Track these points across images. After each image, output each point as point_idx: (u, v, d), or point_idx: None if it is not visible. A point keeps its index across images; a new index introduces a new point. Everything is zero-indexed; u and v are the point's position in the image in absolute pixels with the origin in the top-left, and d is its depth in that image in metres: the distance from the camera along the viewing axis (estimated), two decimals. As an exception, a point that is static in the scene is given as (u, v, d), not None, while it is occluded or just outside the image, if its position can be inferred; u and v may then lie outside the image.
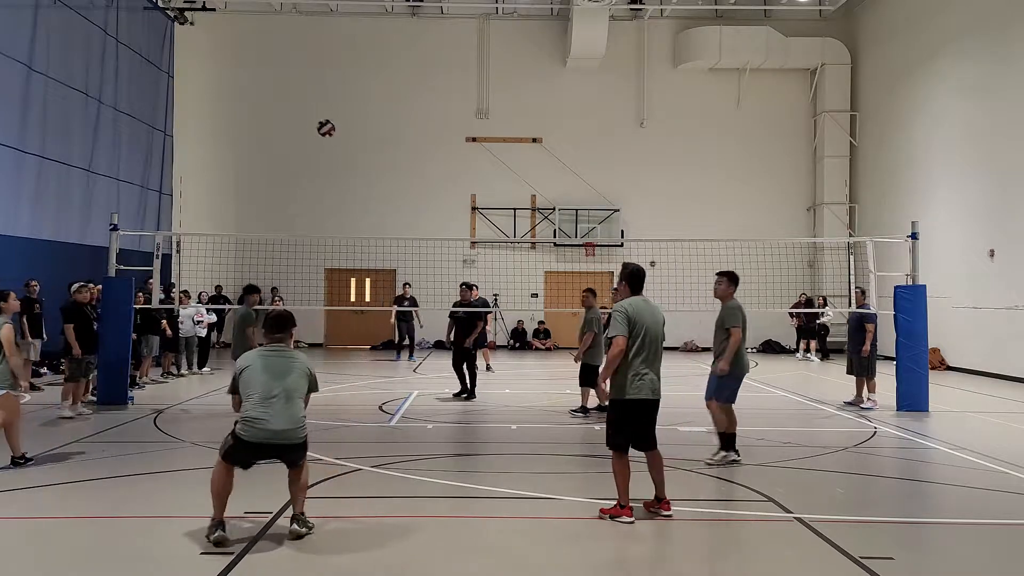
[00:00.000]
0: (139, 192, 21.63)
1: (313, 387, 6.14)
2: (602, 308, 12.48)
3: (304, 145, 25.19)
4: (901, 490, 8.02)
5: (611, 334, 6.46)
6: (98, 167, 19.37)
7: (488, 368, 18.32)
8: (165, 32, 23.48)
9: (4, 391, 7.95)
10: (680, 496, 7.30)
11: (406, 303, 20.03)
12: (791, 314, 21.83)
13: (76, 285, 11.91)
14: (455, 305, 14.15)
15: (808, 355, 22.11)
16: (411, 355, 20.87)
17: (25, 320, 14.18)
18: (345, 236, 21.96)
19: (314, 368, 6.19)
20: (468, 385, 13.62)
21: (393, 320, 20.82)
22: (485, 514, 6.76)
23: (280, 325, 6.18)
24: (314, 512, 6.19)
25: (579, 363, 12.11)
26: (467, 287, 14.15)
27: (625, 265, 6.94)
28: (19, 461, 8.06)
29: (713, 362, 8.81)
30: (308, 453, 6.03)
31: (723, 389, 8.73)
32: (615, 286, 6.93)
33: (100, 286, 13.05)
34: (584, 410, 12.00)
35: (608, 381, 6.57)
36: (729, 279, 8.86)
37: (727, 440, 8.70)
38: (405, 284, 20.71)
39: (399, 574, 5.35)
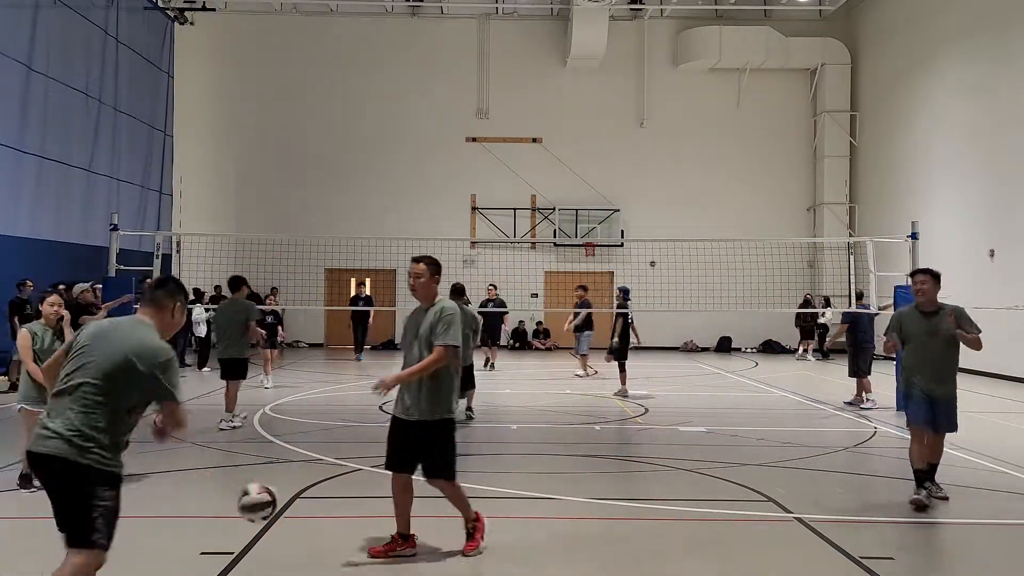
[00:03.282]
0: (139, 192, 21.63)
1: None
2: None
3: (304, 145, 25.22)
4: (901, 490, 7.99)
5: (452, 342, 5.40)
6: (98, 167, 19.37)
7: (492, 366, 18.41)
8: (165, 32, 23.48)
9: (20, 405, 7.06)
10: (680, 496, 7.31)
11: (361, 303, 20.44)
12: (798, 315, 21.87)
13: (79, 287, 11.95)
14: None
15: (806, 355, 22.12)
16: (359, 354, 20.95)
17: (17, 321, 14.18)
18: (345, 236, 21.95)
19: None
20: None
21: (350, 322, 20.97)
22: (485, 514, 6.76)
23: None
24: (314, 512, 6.16)
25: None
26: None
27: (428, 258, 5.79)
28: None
29: (943, 385, 7.08)
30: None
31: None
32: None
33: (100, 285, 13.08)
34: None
35: (431, 395, 5.49)
36: (936, 277, 7.33)
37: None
38: (359, 284, 21.02)
39: (399, 574, 5.35)
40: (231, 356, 10.69)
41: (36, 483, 6.79)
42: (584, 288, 17.17)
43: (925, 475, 7.11)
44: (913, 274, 7.48)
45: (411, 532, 5.65)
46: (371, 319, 21.03)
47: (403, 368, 5.55)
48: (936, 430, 7.15)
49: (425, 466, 5.57)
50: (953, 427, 7.20)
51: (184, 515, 6.32)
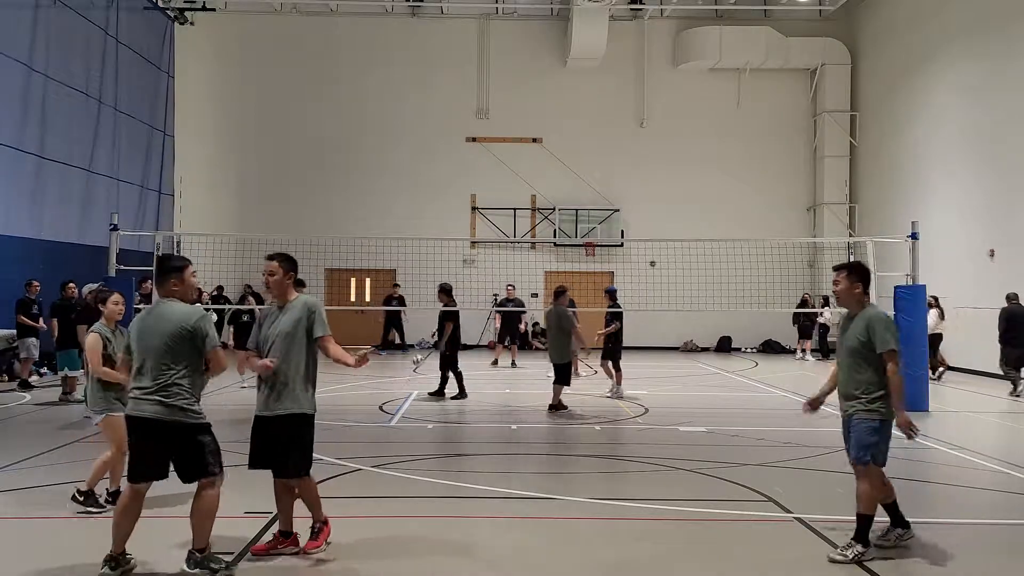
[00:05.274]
0: (139, 192, 21.62)
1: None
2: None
3: (304, 145, 25.22)
4: (901, 490, 7.97)
5: (324, 332, 5.54)
6: (98, 167, 19.36)
7: (513, 363, 19.22)
8: (165, 32, 23.47)
9: (103, 414, 6.65)
10: (680, 496, 7.31)
11: (394, 302, 21.77)
12: (795, 315, 21.90)
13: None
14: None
15: (805, 355, 22.14)
16: (404, 349, 22.72)
17: (23, 321, 14.21)
18: (345, 236, 21.95)
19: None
20: (452, 385, 13.76)
21: (382, 320, 22.75)
22: (485, 514, 6.76)
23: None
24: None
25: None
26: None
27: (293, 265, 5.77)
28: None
29: (848, 402, 5.85)
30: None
31: (881, 444, 5.86)
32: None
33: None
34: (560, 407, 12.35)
35: (302, 392, 5.52)
36: (856, 276, 5.96)
37: (895, 510, 6.03)
38: (395, 285, 21.56)
39: (398, 574, 5.35)
40: None
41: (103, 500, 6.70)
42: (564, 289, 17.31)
43: (890, 513, 5.95)
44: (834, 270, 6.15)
45: (294, 531, 5.65)
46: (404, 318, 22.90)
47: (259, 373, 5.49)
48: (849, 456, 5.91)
49: (277, 463, 5.50)
50: (858, 456, 5.79)
51: (184, 515, 6.31)
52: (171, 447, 5.08)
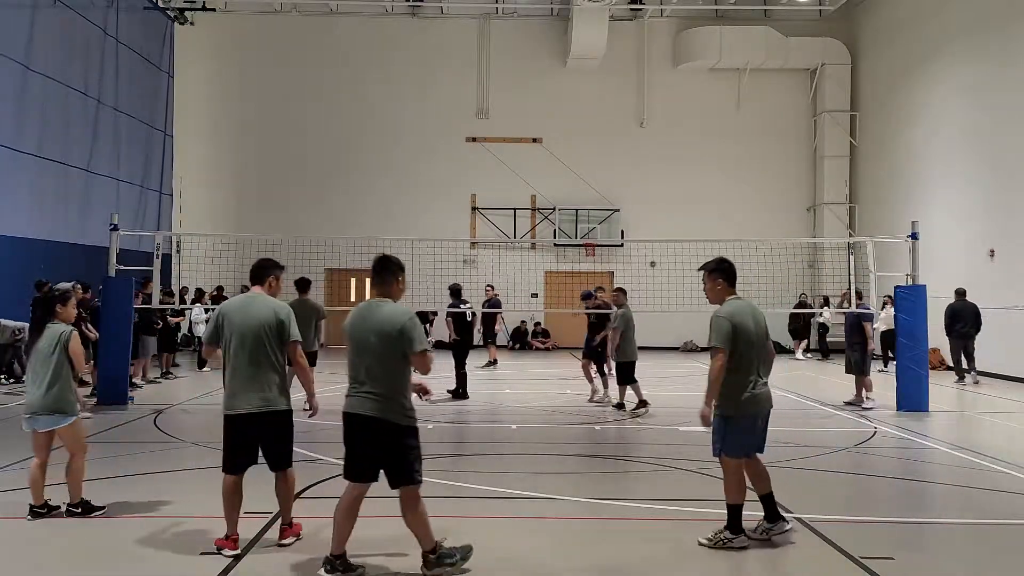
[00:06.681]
0: (139, 192, 21.64)
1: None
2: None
3: (304, 145, 25.23)
4: (901, 490, 8.01)
5: (294, 338, 6.00)
6: (97, 167, 19.38)
7: (493, 363, 19.06)
8: (165, 32, 23.50)
9: (76, 416, 6.46)
10: (680, 496, 7.31)
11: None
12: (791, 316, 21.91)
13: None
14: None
15: (804, 354, 22.13)
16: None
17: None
18: (345, 236, 21.91)
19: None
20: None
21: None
22: (485, 514, 6.76)
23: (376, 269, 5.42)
24: (314, 512, 6.15)
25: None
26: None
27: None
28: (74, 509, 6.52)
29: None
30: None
31: (729, 437, 5.89)
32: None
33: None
34: (621, 406, 12.57)
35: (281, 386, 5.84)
36: (717, 272, 6.27)
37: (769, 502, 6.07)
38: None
39: (398, 574, 5.35)
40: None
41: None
42: (602, 289, 16.84)
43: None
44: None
45: (236, 532, 5.68)
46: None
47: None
48: None
49: (271, 456, 5.77)
50: (713, 448, 5.97)
51: (184, 515, 6.32)
52: (379, 447, 5.19)
